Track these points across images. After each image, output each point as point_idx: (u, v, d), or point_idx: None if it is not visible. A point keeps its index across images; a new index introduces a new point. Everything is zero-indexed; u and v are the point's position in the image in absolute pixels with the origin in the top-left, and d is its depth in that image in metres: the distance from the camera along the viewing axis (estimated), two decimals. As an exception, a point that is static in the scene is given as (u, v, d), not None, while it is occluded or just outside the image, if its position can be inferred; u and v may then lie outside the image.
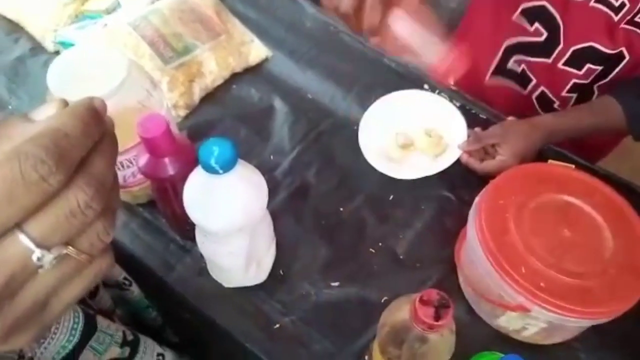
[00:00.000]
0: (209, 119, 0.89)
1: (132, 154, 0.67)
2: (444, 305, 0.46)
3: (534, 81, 0.93)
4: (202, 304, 0.73)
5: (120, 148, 0.68)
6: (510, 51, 0.92)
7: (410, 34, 0.62)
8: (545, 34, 0.85)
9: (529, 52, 0.90)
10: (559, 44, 0.83)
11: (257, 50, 0.96)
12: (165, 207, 0.71)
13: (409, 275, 0.75)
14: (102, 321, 0.59)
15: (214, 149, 0.49)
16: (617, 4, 0.73)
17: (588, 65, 0.83)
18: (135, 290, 0.78)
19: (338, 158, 0.86)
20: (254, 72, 0.96)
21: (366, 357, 0.63)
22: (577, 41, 0.81)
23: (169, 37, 0.91)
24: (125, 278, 0.76)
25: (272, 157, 0.86)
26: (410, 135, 0.86)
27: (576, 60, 0.84)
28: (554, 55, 0.86)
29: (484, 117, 0.91)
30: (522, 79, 0.95)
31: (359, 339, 0.70)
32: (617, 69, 0.83)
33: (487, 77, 0.99)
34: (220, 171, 0.50)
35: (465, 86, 0.98)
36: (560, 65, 0.86)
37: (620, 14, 0.73)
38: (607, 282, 0.61)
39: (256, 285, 0.73)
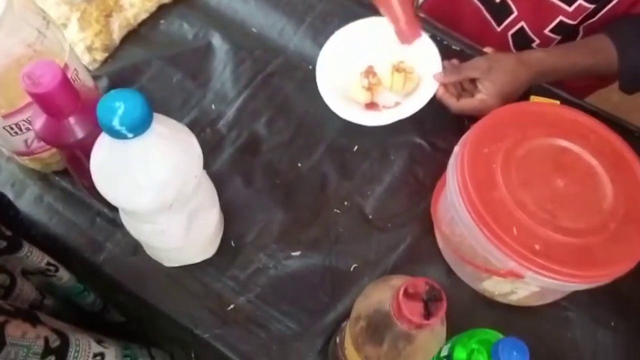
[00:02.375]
0: (134, 62, 0.74)
1: (29, 114, 0.53)
2: (436, 299, 0.36)
3: (515, 14, 0.81)
4: (140, 287, 0.62)
5: (11, 107, 0.54)
6: None
7: None
8: None
9: None
10: None
11: (188, -24, 0.80)
12: (80, 178, 0.57)
13: (380, 238, 0.65)
14: (13, 330, 0.48)
15: (117, 105, 0.35)
16: None
17: (579, 1, 0.72)
18: (64, 275, 0.66)
19: (292, 104, 0.74)
20: (185, 3, 0.80)
21: (337, 339, 0.54)
22: None
23: (75, -38, 0.74)
24: (49, 263, 0.63)
25: (213, 106, 0.72)
26: (377, 71, 0.74)
27: None
28: None
29: (458, 48, 0.79)
30: (499, 11, 0.82)
31: (326, 316, 0.61)
32: (608, 6, 0.72)
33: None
34: (130, 135, 0.37)
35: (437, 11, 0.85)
36: None
37: None
38: (607, 239, 0.53)
39: (203, 262, 0.62)
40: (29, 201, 0.65)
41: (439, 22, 0.81)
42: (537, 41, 0.83)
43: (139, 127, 0.37)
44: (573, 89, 0.81)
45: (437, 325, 0.40)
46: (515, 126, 0.60)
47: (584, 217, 0.54)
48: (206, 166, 0.50)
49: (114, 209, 0.63)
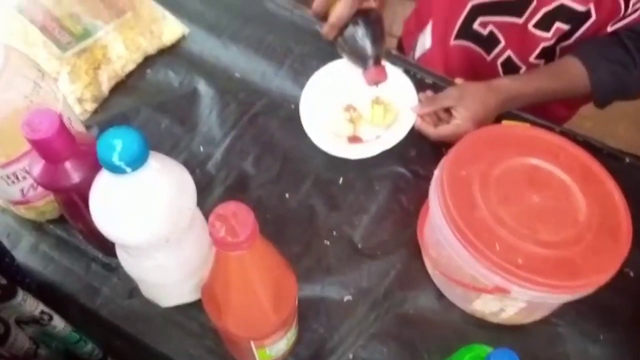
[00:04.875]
0: (123, 111, 0.77)
1: (26, 163, 0.55)
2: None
3: (502, 44, 0.86)
4: (139, 330, 0.62)
5: (9, 157, 0.56)
6: (476, 11, 0.85)
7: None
8: None
9: (499, 11, 0.83)
10: (532, 1, 0.77)
11: (171, 28, 0.84)
12: (76, 222, 0.59)
13: (371, 266, 0.67)
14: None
15: (116, 142, 0.38)
16: None
17: (557, 25, 0.78)
18: (58, 324, 0.66)
19: (277, 142, 0.77)
20: (170, 53, 0.83)
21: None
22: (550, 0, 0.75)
23: (64, 20, 0.78)
24: (43, 312, 0.63)
25: (201, 148, 0.75)
26: (357, 106, 0.77)
27: (546, 21, 0.78)
28: (526, 15, 0.79)
29: (430, 81, 0.83)
30: (487, 42, 0.88)
31: (323, 348, 0.61)
32: (582, 29, 0.77)
33: (452, 40, 0.91)
34: (128, 169, 0.39)
35: (429, 50, 0.90)
36: (530, 26, 0.80)
37: None
38: (586, 250, 0.56)
39: (199, 300, 0.62)
40: (24, 251, 0.66)
41: (435, 71, 0.86)
42: (524, 68, 0.88)
43: (137, 161, 0.39)
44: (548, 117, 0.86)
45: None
46: (490, 148, 0.63)
47: (561, 229, 0.57)
48: (197, 206, 0.52)
49: (109, 254, 0.65)
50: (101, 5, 0.80)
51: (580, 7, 0.74)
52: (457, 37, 0.90)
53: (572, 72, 0.77)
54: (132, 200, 0.41)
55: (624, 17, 0.74)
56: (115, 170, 0.39)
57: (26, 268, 0.65)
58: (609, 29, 0.76)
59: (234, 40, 0.85)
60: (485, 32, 0.86)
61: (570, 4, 0.74)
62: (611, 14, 0.74)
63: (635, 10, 0.72)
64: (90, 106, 0.76)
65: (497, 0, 0.81)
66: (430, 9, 0.94)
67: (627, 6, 0.72)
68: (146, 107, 0.78)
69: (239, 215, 0.36)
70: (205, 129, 0.76)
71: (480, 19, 0.85)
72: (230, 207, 0.36)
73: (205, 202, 0.70)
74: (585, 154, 0.64)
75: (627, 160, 0.80)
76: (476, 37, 0.88)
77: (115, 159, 0.38)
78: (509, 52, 0.86)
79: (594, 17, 0.75)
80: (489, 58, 0.89)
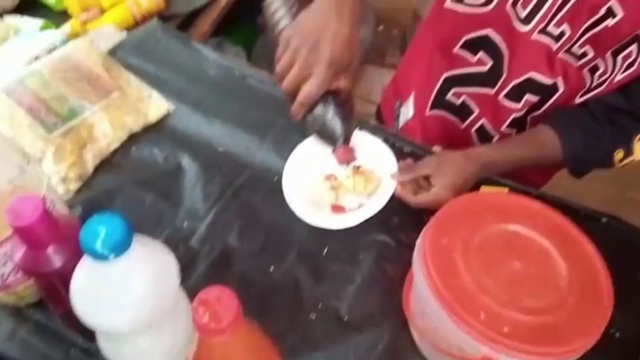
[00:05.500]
0: (107, 189, 0.78)
1: (7, 248, 0.55)
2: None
3: (476, 112, 0.90)
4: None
5: (-9, 242, 0.55)
6: (450, 83, 0.89)
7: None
8: (489, 63, 0.82)
9: (471, 82, 0.87)
10: (502, 73, 0.81)
11: (156, 105, 0.86)
12: (56, 307, 0.58)
13: (358, 339, 0.66)
14: None
15: (100, 229, 0.38)
16: (557, 33, 0.72)
17: (526, 97, 0.82)
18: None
19: (261, 214, 0.77)
20: (155, 129, 0.85)
21: None
22: (519, 73, 0.79)
23: (50, 101, 0.80)
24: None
25: (185, 223, 0.75)
26: (339, 176, 0.79)
27: (516, 92, 0.82)
28: (497, 86, 0.83)
29: (408, 150, 0.86)
30: (461, 112, 0.91)
31: None
32: (551, 100, 0.81)
33: (427, 110, 0.95)
34: (111, 256, 0.39)
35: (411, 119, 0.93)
36: (501, 97, 0.84)
37: (560, 43, 0.73)
38: (569, 314, 0.56)
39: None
40: (2, 338, 0.64)
41: (413, 140, 0.89)
42: (497, 136, 0.91)
43: (120, 247, 0.39)
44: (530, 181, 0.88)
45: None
46: (469, 216, 0.64)
47: (544, 295, 0.58)
48: (181, 282, 0.52)
49: (89, 339, 0.63)
50: (88, 86, 0.83)
51: (548, 81, 0.78)
52: (433, 107, 0.94)
53: (546, 142, 0.80)
54: (115, 287, 0.41)
55: (590, 90, 0.78)
56: (99, 257, 0.39)
57: (4, 356, 0.63)
58: (577, 100, 0.79)
59: (218, 116, 0.88)
60: (458, 102, 0.90)
61: (538, 77, 0.78)
62: (578, 87, 0.78)
63: (601, 84, 0.75)
64: (74, 185, 0.77)
65: (469, 72, 0.85)
66: (409, 79, 0.98)
67: (592, 79, 0.76)
68: (130, 184, 0.78)
69: (222, 300, 0.36)
70: (189, 204, 0.77)
71: (453, 90, 0.89)
72: (214, 292, 0.37)
73: (189, 278, 0.69)
74: (562, 217, 0.65)
75: (604, 220, 0.82)
76: (450, 107, 0.92)
77: (99, 246, 0.38)
78: (482, 121, 0.90)
79: (561, 89, 0.79)
80: (463, 126, 0.93)
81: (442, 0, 0.81)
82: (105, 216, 0.40)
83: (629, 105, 0.74)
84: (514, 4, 0.73)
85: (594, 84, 0.76)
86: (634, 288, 0.57)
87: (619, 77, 0.72)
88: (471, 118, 0.91)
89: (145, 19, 1.04)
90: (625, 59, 0.69)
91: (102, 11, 1.05)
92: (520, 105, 0.83)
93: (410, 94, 0.98)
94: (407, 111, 1.00)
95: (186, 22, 1.09)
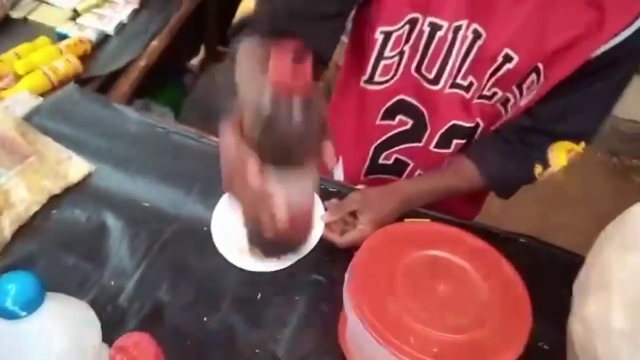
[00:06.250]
0: (26, 254, 0.74)
1: None
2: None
3: (411, 165, 0.94)
4: None
5: None
6: (379, 150, 0.93)
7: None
8: (410, 122, 0.87)
9: (399, 142, 0.91)
10: (427, 128, 0.86)
11: (77, 167, 0.85)
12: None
13: (297, 380, 0.66)
14: None
15: (9, 287, 0.37)
16: (466, 84, 0.78)
17: (455, 142, 0.87)
18: None
19: (192, 266, 0.77)
20: (77, 190, 0.83)
21: None
22: (442, 124, 0.85)
23: (-38, 170, 0.77)
24: None
25: (112, 282, 0.73)
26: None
27: (444, 140, 0.87)
28: (424, 140, 0.88)
29: (335, 189, 0.89)
30: (396, 169, 0.95)
31: None
32: (476, 137, 0.87)
33: (362, 177, 0.98)
34: (23, 313, 0.38)
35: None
36: (431, 148, 0.89)
37: (471, 92, 0.79)
38: (493, 330, 0.59)
39: None
40: None
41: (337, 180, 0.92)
42: None
43: (32, 304, 0.38)
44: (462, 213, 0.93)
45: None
46: (393, 246, 0.67)
47: (468, 314, 0.60)
48: (110, 341, 0.51)
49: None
50: (2, 152, 0.81)
51: (470, 124, 0.84)
52: (367, 174, 0.98)
53: (465, 169, 0.85)
54: (30, 346, 0.40)
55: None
56: (11, 315, 0.38)
57: None
58: (493, 127, 0.86)
59: (141, 172, 0.87)
60: (391, 161, 0.95)
61: (461, 123, 0.84)
62: (495, 119, 0.85)
63: (515, 112, 0.82)
64: (-10, 254, 0.73)
65: (394, 133, 0.90)
66: (339, 144, 1.00)
67: (506, 110, 0.83)
68: (52, 247, 0.76)
69: (141, 345, 0.36)
70: (115, 262, 0.75)
71: (384, 154, 0.94)
72: (132, 338, 0.36)
73: (119, 336, 0.67)
74: (480, 240, 0.69)
75: (522, 240, 0.87)
76: (385, 169, 0.96)
77: (9, 304, 0.37)
78: (418, 171, 0.94)
79: (482, 125, 0.85)
80: (401, 180, 0.97)
81: (353, 80, 0.85)
82: (14, 274, 0.39)
83: (534, 123, 0.80)
84: (418, 70, 0.79)
85: (508, 113, 0.83)
86: (557, 302, 0.61)
87: (523, 102, 0.79)
88: (407, 171, 0.96)
89: (63, 83, 1.04)
90: (528, 87, 0.77)
91: (18, 78, 1.03)
92: (451, 149, 0.89)
93: (339, 158, 1.00)
94: (338, 174, 1.03)
95: (105, 85, 1.09)
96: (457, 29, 0.72)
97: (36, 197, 0.80)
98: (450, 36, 0.73)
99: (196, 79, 2.05)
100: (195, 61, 2.13)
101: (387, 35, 0.74)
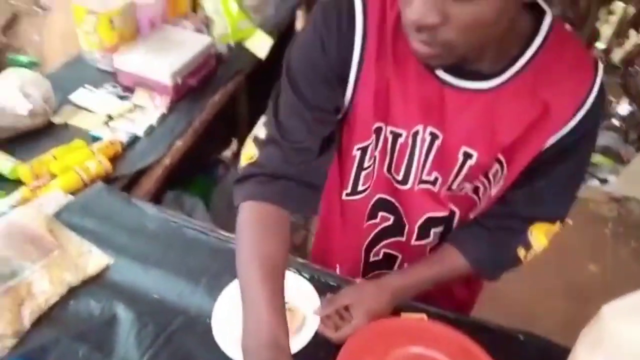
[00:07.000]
0: (42, 344, 0.80)
1: None
2: None
3: (400, 257, 0.99)
4: None
5: None
6: (368, 249, 0.99)
7: None
8: (392, 217, 0.93)
9: (383, 237, 0.96)
10: (405, 225, 0.92)
11: (96, 260, 0.93)
12: None
13: None
14: None
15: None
16: (432, 179, 0.84)
17: (433, 230, 0.92)
18: None
19: (194, 357, 0.81)
20: (93, 282, 0.90)
21: None
22: (417, 218, 0.90)
23: (-7, 263, 0.85)
24: None
25: (117, 372, 0.77)
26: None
27: (423, 232, 0.92)
28: (405, 235, 0.93)
29: (334, 283, 0.93)
30: (387, 262, 1.00)
31: None
32: (455, 222, 0.92)
33: (359, 279, 1.01)
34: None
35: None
36: (413, 241, 0.94)
37: (437, 186, 0.85)
38: None
39: None
40: None
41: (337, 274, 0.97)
42: None
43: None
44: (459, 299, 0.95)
45: None
46: (380, 341, 0.71)
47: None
48: None
49: None
50: (31, 247, 0.89)
51: (443, 213, 0.89)
52: (364, 275, 1.03)
53: (452, 258, 0.88)
54: None
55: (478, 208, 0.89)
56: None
57: None
58: (471, 215, 0.90)
59: (155, 265, 0.94)
60: (380, 257, 1.00)
61: (435, 214, 0.89)
62: (470, 205, 0.89)
63: (488, 201, 0.86)
64: (10, 342, 0.79)
65: (378, 230, 0.95)
66: (329, 252, 1.05)
67: (478, 198, 0.87)
68: (65, 337, 0.81)
69: None
70: (122, 352, 0.80)
71: (373, 251, 0.99)
72: None
73: None
74: (464, 337, 0.72)
75: (521, 337, 0.89)
76: (377, 265, 1.01)
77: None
78: (406, 263, 0.99)
79: (458, 212, 0.90)
80: (392, 272, 0.99)
81: (336, 195, 0.92)
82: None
83: (510, 209, 0.84)
84: (389, 170, 0.85)
85: (481, 200, 0.87)
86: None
87: (494, 191, 0.83)
88: (398, 262, 1.00)
89: (93, 181, 1.14)
90: (494, 175, 0.81)
91: (53, 177, 1.14)
92: (430, 239, 0.93)
93: (335, 266, 1.05)
94: None
95: (131, 183, 1.19)
96: (416, 134, 0.78)
97: (57, 289, 0.87)
98: (410, 141, 0.79)
99: (228, 169, 2.12)
100: (228, 152, 2.23)
101: (364, 150, 0.82)
